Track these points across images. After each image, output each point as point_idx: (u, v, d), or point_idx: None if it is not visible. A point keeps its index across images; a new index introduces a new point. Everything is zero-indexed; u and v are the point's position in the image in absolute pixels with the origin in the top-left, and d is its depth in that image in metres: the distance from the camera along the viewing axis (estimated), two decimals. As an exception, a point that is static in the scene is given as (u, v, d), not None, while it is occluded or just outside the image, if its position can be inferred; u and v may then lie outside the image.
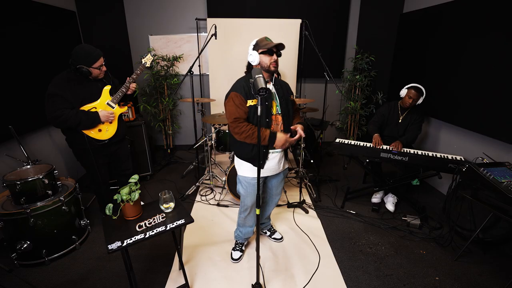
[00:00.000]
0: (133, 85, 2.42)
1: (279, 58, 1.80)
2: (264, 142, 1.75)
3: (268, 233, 2.43)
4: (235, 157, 2.00)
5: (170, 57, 4.08)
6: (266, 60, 1.75)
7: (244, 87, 1.77)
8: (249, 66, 1.85)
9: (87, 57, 2.10)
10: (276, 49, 1.77)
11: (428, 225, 2.59)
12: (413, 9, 3.51)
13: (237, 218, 2.21)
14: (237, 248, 2.23)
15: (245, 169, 1.94)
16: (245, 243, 2.28)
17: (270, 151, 1.90)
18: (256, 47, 1.77)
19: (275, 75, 1.87)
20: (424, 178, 2.88)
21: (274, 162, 1.93)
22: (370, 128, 2.93)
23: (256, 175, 1.91)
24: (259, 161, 1.51)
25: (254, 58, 1.76)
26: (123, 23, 4.04)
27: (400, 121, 2.91)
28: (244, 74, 1.90)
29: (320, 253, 2.25)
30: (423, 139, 3.48)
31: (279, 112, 1.84)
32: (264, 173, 1.94)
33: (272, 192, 2.16)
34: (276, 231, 2.46)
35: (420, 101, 2.80)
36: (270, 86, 1.84)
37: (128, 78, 2.38)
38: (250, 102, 1.76)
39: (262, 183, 2.06)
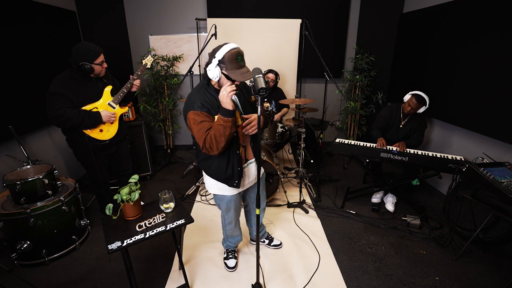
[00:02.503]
0: (137, 81, 2.41)
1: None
2: (230, 125, 1.44)
3: (267, 241, 2.33)
4: (205, 175, 1.79)
5: (170, 57, 4.08)
6: (226, 84, 1.45)
7: (203, 103, 1.49)
8: (207, 78, 1.55)
9: (88, 54, 2.09)
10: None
11: (428, 225, 2.59)
12: (413, 9, 3.51)
13: (223, 230, 2.08)
14: (230, 256, 2.14)
15: (220, 189, 1.78)
16: (236, 249, 2.21)
17: (244, 164, 1.75)
18: (221, 65, 1.44)
19: None
20: (424, 178, 2.88)
21: (250, 173, 1.80)
22: (374, 134, 2.88)
23: (235, 193, 1.81)
24: (259, 156, 1.48)
25: (215, 75, 1.46)
26: (123, 23, 4.04)
27: (401, 126, 2.87)
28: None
29: (320, 253, 2.25)
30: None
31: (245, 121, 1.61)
32: (241, 188, 1.81)
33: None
34: (273, 238, 2.37)
35: (420, 110, 2.73)
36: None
37: (131, 76, 2.37)
38: (217, 118, 1.51)
39: (241, 197, 1.95)
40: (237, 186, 1.74)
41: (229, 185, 1.73)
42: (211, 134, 1.46)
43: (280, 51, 3.95)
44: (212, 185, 1.79)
